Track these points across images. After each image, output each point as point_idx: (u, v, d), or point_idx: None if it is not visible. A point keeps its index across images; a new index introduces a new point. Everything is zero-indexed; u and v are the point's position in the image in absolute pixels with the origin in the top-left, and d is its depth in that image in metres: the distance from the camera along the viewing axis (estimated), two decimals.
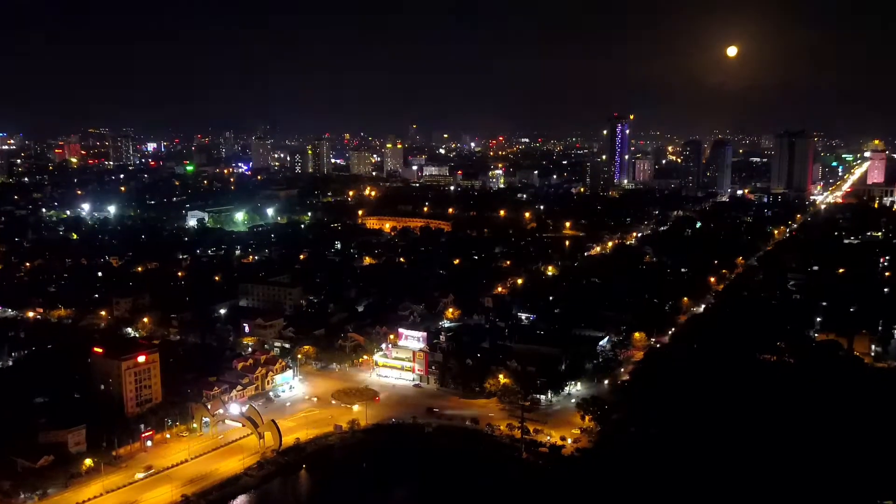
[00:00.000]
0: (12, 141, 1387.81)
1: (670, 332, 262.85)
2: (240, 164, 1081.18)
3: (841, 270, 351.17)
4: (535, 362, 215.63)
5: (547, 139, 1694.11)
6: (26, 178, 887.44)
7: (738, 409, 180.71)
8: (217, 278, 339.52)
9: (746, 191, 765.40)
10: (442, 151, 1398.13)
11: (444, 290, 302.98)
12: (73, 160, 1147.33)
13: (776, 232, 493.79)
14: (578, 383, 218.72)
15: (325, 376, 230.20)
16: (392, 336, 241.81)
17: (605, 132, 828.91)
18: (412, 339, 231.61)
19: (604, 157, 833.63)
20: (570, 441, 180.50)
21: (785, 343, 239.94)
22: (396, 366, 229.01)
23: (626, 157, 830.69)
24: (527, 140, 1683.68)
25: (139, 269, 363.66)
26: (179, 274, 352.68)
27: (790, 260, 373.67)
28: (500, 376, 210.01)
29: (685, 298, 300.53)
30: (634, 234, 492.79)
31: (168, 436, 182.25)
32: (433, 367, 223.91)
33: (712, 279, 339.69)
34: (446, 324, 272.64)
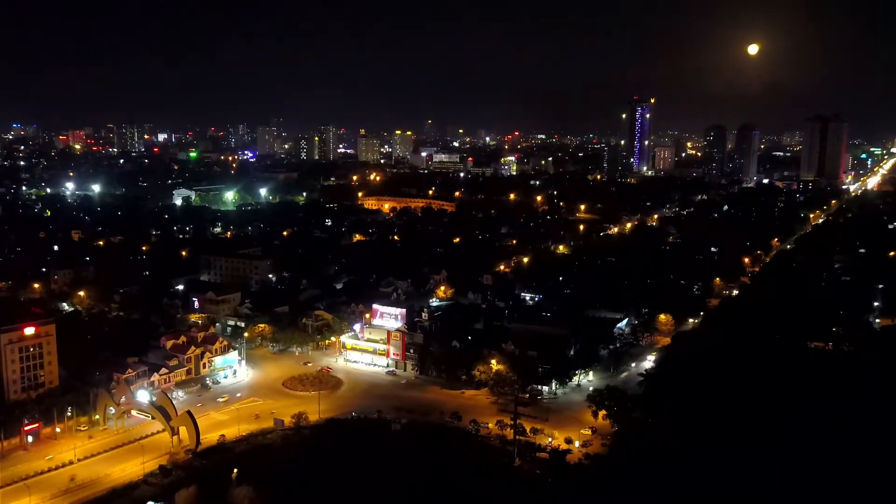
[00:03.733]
0: (24, 132, 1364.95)
1: (701, 316, 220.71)
2: (245, 152, 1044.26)
3: (892, 253, 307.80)
4: (538, 345, 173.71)
5: (563, 135, 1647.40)
6: (22, 162, 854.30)
7: (793, 404, 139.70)
8: (184, 253, 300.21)
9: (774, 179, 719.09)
10: (456, 145, 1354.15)
11: (437, 267, 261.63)
12: (77, 146, 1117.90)
13: (812, 216, 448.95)
14: (591, 372, 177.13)
15: (283, 361, 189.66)
16: (368, 315, 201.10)
17: (623, 116, 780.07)
18: (388, 318, 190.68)
19: (622, 142, 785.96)
20: (577, 444, 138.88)
21: (842, 329, 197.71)
22: (368, 349, 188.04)
23: (647, 143, 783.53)
24: (543, 136, 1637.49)
25: (100, 242, 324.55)
26: (144, 248, 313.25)
27: (834, 241, 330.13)
28: (493, 362, 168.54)
29: (717, 279, 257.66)
30: (655, 216, 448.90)
31: (59, 430, 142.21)
32: (411, 351, 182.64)
33: (746, 259, 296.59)
34: (435, 302, 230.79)
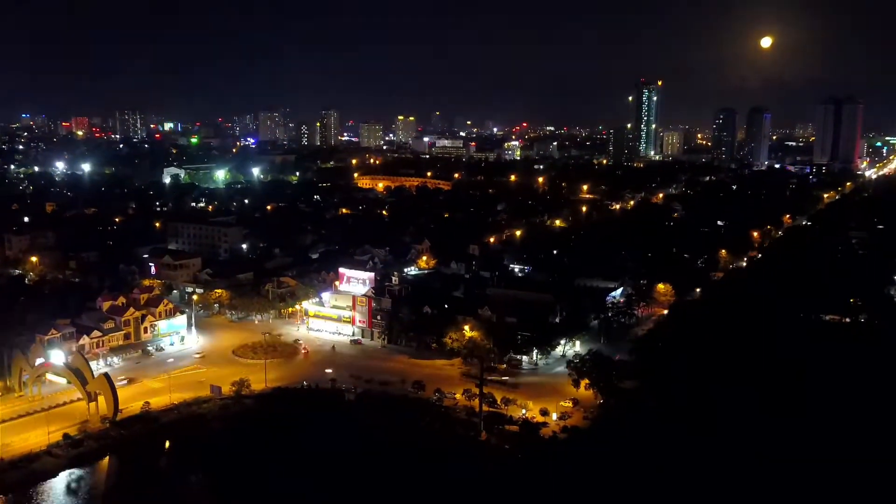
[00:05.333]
0: (32, 123, 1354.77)
1: (704, 287, 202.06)
2: (248, 138, 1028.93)
3: None
4: (518, 312, 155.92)
5: (572, 127, 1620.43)
6: (21, 146, 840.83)
7: (803, 379, 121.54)
8: (158, 224, 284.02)
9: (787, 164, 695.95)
10: (462, 135, 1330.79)
11: (420, 237, 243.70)
12: (80, 133, 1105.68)
13: (825, 196, 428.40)
14: (578, 342, 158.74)
15: (240, 329, 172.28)
16: (338, 283, 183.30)
17: (630, 98, 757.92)
18: (356, 283, 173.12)
19: (629, 126, 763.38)
20: (554, 416, 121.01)
21: (859, 300, 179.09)
22: (332, 316, 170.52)
23: (654, 126, 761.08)
24: (552, 128, 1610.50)
25: (70, 214, 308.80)
26: (116, 220, 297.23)
27: (850, 217, 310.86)
28: (466, 328, 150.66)
29: (723, 251, 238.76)
30: (661, 194, 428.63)
31: None
32: (378, 318, 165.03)
33: (756, 234, 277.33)
34: (414, 271, 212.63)
